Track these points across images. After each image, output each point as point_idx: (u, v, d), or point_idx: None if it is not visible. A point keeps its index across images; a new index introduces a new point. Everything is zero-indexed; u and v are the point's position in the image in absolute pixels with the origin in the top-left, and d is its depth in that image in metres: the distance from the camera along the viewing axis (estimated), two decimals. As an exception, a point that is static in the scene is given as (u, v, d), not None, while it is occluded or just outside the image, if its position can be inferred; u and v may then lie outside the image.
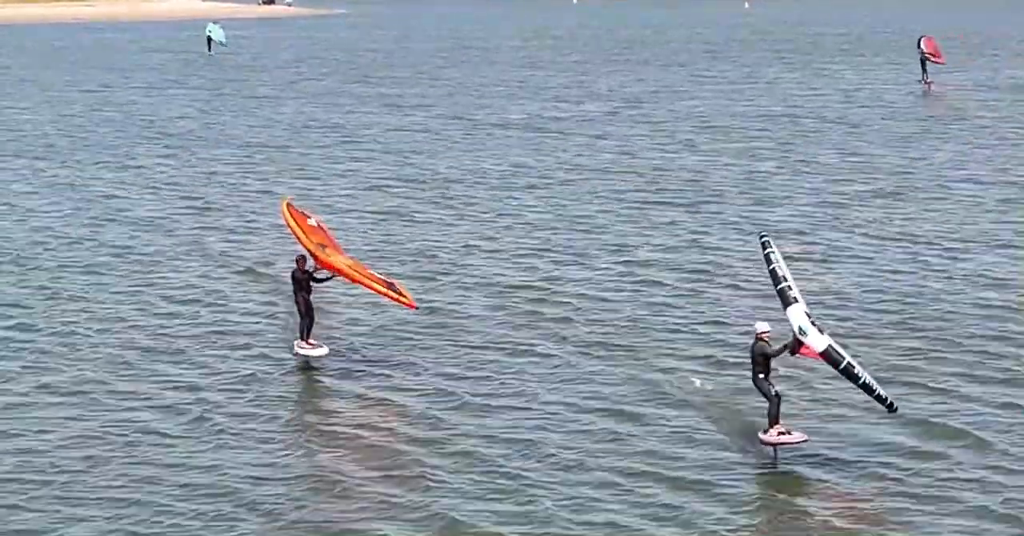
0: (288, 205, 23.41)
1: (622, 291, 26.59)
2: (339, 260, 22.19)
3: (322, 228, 23.35)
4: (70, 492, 17.51)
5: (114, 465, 18.30)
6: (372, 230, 32.38)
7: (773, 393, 18.21)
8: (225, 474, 18.01)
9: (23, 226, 33.14)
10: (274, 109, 55.56)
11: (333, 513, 16.87)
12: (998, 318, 24.20)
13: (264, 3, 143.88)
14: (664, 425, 19.54)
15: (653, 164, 40.84)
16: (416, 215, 34.02)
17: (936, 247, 29.57)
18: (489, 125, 50.35)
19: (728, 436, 19.08)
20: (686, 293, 26.41)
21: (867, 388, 17.88)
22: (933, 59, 59.26)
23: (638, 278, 27.51)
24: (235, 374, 22.16)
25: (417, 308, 23.15)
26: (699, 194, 36.11)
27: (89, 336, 24.16)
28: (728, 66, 71.08)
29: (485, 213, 34.15)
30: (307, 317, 22.40)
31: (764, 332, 18.17)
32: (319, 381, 21.95)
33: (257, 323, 25.13)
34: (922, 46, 59.36)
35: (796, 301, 18.00)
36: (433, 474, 17.90)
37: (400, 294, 22.06)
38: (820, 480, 17.68)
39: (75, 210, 35.05)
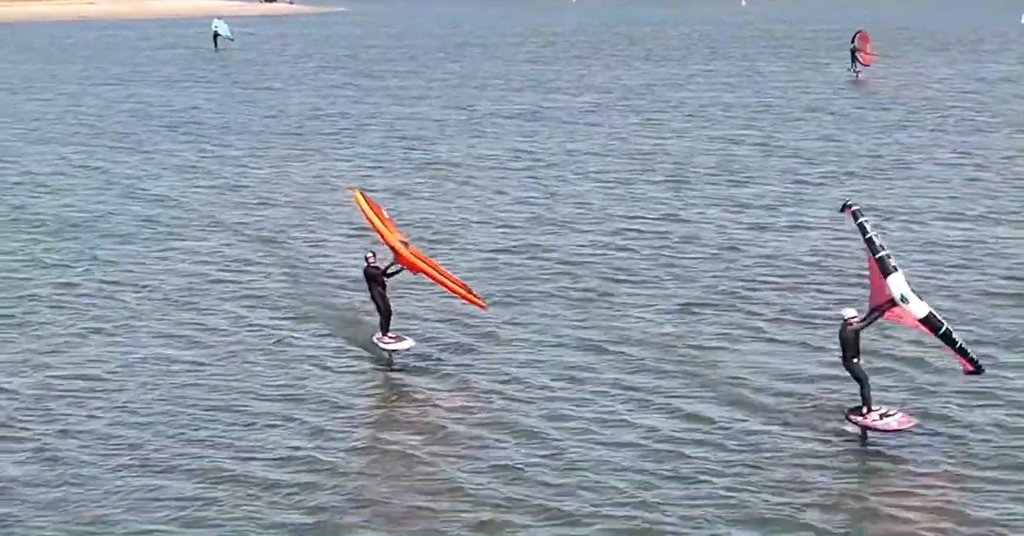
0: (363, 195, 23.01)
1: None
2: (419, 257, 22.37)
3: (393, 221, 23.42)
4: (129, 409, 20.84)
5: (162, 390, 21.54)
6: (399, 208, 35.76)
7: (865, 375, 18.98)
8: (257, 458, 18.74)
9: (56, 202, 36.53)
10: (282, 100, 58.98)
11: (377, 500, 17.34)
12: (945, 275, 27.59)
13: (266, 1, 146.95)
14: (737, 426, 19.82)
15: (641, 149, 44.22)
16: (418, 193, 37.40)
17: (894, 218, 32.93)
18: (488, 115, 53.73)
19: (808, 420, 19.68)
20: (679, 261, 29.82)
21: (962, 351, 18.76)
22: (862, 55, 63.86)
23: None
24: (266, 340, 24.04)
25: (486, 308, 23.43)
26: (681, 173, 39.52)
27: (124, 292, 27.55)
28: (722, 61, 74.37)
29: (485, 192, 37.57)
30: (385, 311, 22.60)
31: (852, 318, 18.86)
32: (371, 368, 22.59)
33: (263, 282, 28.43)
34: (855, 43, 64.14)
35: (896, 269, 18.50)
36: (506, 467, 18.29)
37: (475, 296, 22.65)
38: (920, 462, 18.36)
39: (100, 189, 38.45)
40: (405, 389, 21.62)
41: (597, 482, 17.69)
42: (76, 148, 46.01)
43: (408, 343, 22.66)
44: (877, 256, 18.52)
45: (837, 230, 31.52)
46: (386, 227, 22.47)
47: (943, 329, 18.46)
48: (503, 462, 18.34)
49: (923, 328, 18.67)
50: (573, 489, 17.51)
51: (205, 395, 21.20)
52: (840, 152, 42.82)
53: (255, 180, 39.73)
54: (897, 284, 18.39)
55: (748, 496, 17.21)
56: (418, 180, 39.33)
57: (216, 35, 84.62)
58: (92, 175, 40.84)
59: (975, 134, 45.94)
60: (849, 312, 19.01)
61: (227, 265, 29.64)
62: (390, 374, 22.31)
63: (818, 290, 26.68)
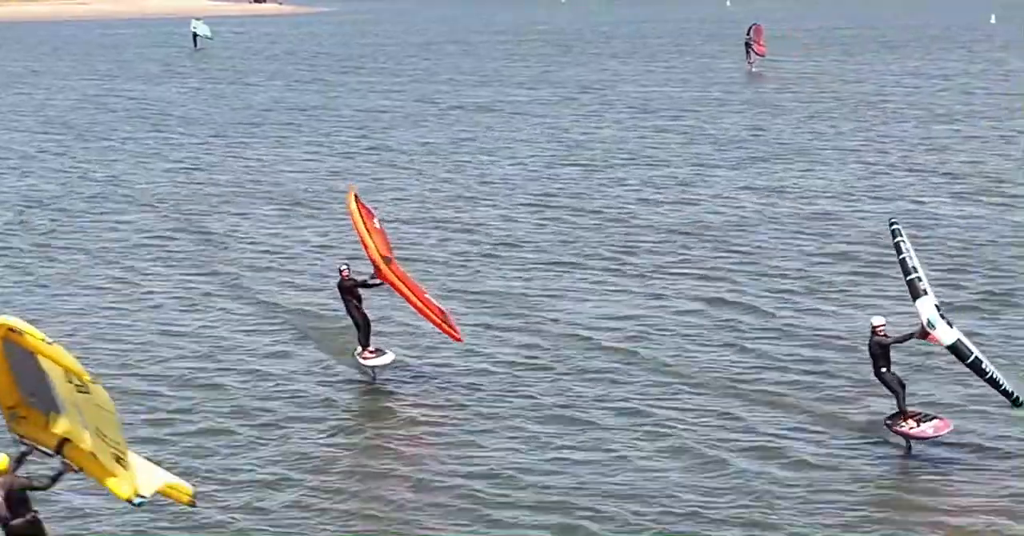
0: (356, 199, 22.59)
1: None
2: (400, 277, 22.10)
3: (383, 231, 23.02)
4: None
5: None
6: (334, 187, 40.06)
7: (900, 384, 18.98)
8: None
9: (17, 183, 40.92)
10: (250, 94, 63.30)
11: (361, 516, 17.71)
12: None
13: (255, 1, 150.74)
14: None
15: (574, 137, 48.35)
16: (352, 175, 41.60)
17: (787, 195, 37.04)
18: (447, 107, 57.88)
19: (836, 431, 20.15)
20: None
21: (994, 383, 18.38)
22: (756, 48, 68.83)
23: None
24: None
25: (463, 342, 22.89)
26: (600, 158, 43.66)
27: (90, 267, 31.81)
28: (684, 58, 78.25)
29: (423, 175, 41.80)
30: (364, 325, 22.41)
31: (880, 326, 18.89)
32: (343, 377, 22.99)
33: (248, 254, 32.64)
34: (749, 36, 69.19)
35: (926, 293, 18.33)
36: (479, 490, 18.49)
37: (451, 327, 22.23)
38: (957, 470, 18.65)
39: (60, 171, 42.81)
40: (389, 405, 21.72)
41: (582, 484, 18.30)
42: (46, 137, 50.39)
43: (389, 357, 22.38)
44: (908, 279, 18.51)
45: (721, 205, 35.75)
46: (372, 238, 22.01)
47: (971, 358, 18.10)
48: (490, 480, 18.53)
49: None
50: (564, 499, 17.97)
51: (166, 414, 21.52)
52: (750, 138, 46.99)
53: (206, 165, 43.89)
54: (926, 309, 18.21)
55: (759, 515, 17.56)
56: (358, 163, 43.55)
57: (195, 35, 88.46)
58: (54, 160, 45.19)
59: (880, 124, 49.81)
60: (878, 320, 19.03)
61: (162, 254, 33.84)
62: (373, 390, 22.38)
63: (694, 257, 30.81)
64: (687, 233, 32.90)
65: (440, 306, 22.64)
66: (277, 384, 22.59)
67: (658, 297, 27.46)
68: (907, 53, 77.52)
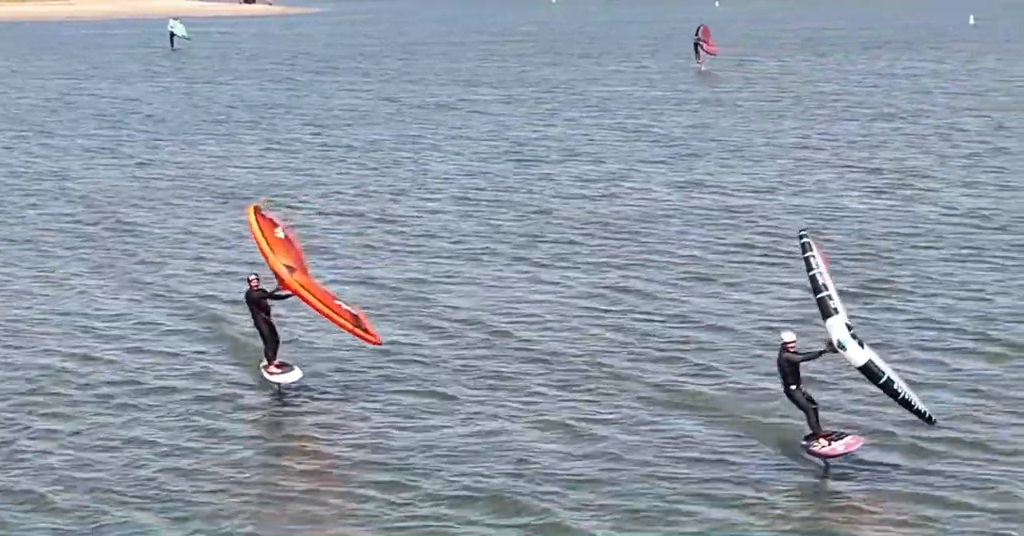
0: (256, 211, 22.28)
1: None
2: (306, 286, 21.64)
3: (289, 239, 22.62)
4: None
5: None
6: (274, 183, 41.61)
7: (808, 402, 18.55)
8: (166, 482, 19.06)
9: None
10: (218, 92, 64.89)
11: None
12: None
13: (245, 2, 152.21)
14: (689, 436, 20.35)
15: (522, 134, 49.82)
16: (308, 171, 43.11)
17: (707, 190, 38.44)
18: (408, 105, 59.38)
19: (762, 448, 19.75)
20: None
21: (906, 404, 18.12)
22: (706, 47, 71.38)
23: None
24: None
25: (381, 344, 22.66)
26: (542, 154, 45.12)
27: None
28: (656, 59, 79.57)
29: (361, 170, 43.30)
30: (271, 338, 22.08)
31: (790, 342, 18.39)
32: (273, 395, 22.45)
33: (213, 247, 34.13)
34: (698, 36, 71.82)
35: (836, 312, 17.92)
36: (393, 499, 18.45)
37: (365, 330, 21.88)
38: (875, 489, 18.30)
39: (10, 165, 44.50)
40: (294, 422, 21.46)
41: (503, 495, 18.27)
42: (4, 133, 52.15)
43: (296, 375, 22.06)
44: (818, 297, 18.09)
45: (642, 199, 37.23)
46: (273, 249, 21.68)
47: (884, 379, 17.81)
48: (397, 499, 18.29)
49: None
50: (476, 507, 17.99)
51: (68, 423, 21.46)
52: (691, 135, 48.45)
53: (155, 161, 45.45)
54: (835, 328, 17.83)
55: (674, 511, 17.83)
56: (303, 160, 45.07)
57: (172, 35, 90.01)
58: (3, 154, 46.91)
59: (825, 122, 51.21)
60: (788, 336, 18.57)
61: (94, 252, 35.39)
62: (278, 406, 22.01)
63: (601, 248, 32.29)
64: (601, 225, 34.36)
65: (352, 311, 22.19)
66: (181, 393, 22.42)
67: (559, 285, 28.86)
68: (879, 54, 78.75)
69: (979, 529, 17.09)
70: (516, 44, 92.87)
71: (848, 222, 33.94)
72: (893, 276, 28.85)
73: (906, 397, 18.03)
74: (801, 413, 18.85)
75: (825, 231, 32.69)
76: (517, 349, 24.59)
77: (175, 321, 26.75)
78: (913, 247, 31.33)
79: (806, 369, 18.96)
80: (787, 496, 18.17)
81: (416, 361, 23.90)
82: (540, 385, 22.66)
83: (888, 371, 18.04)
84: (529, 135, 49.64)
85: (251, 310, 22.11)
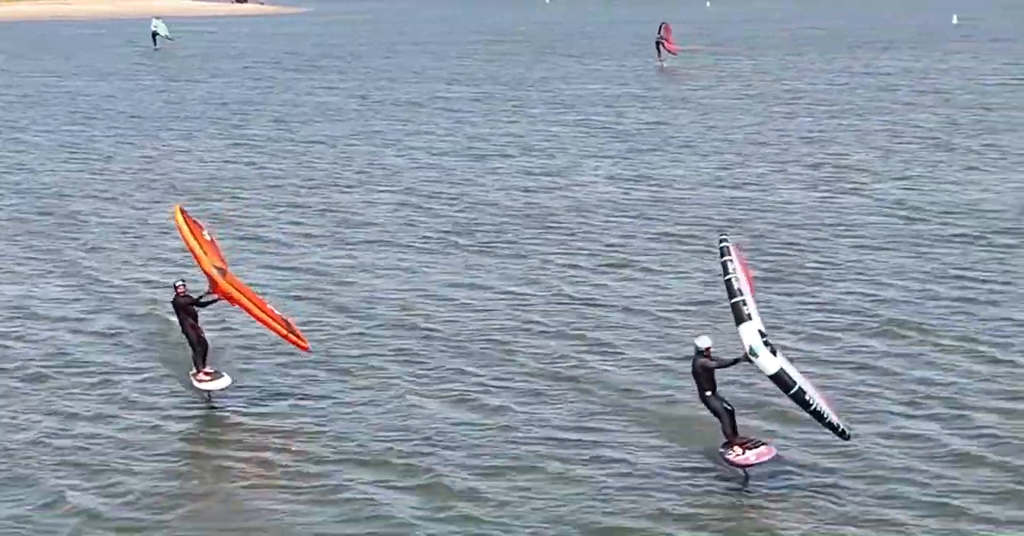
0: (182, 212, 21.95)
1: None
2: (238, 289, 21.48)
3: (214, 242, 22.45)
4: None
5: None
6: (221, 177, 42.86)
7: (724, 409, 18.34)
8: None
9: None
10: (195, 90, 66.25)
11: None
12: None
13: (237, 1, 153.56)
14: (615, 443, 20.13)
15: (480, 131, 51.01)
16: (257, 164, 44.35)
17: (647, 183, 39.59)
18: (380, 102, 60.66)
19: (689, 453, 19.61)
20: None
21: (818, 415, 17.71)
22: (666, 45, 73.66)
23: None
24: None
25: (311, 352, 22.78)
26: (498, 150, 46.30)
27: None
28: (637, 58, 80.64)
29: (309, 164, 44.55)
30: (199, 345, 21.85)
31: (707, 348, 18.22)
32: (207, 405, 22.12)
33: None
34: (660, 34, 74.10)
35: (750, 318, 17.71)
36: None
37: (297, 336, 21.79)
38: (795, 497, 18.05)
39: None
40: (224, 431, 21.14)
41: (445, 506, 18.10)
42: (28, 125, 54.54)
43: (225, 381, 21.73)
44: (732, 301, 17.90)
45: (580, 191, 38.45)
46: (204, 250, 21.37)
47: (795, 389, 17.40)
48: (332, 508, 18.14)
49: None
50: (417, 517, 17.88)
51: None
52: (645, 131, 49.69)
53: (111, 156, 46.74)
54: (748, 335, 17.52)
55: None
56: (255, 154, 46.35)
57: (155, 34, 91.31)
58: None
59: (780, 118, 52.38)
60: (704, 342, 18.34)
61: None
62: (208, 415, 21.81)
63: (527, 238, 33.45)
64: (535, 215, 35.49)
65: (283, 316, 22.20)
66: (106, 402, 22.30)
67: (481, 270, 29.95)
68: (857, 53, 79.83)
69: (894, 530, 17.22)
70: (503, 44, 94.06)
71: (776, 213, 35.04)
72: (806, 263, 29.93)
73: (818, 409, 17.59)
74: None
75: (751, 221, 33.94)
76: (428, 329, 25.57)
77: (111, 314, 27.38)
78: (832, 236, 32.36)
79: (724, 374, 18.87)
80: (678, 484, 18.60)
81: (334, 340, 24.99)
82: (447, 363, 23.70)
83: (800, 381, 17.59)
84: (488, 131, 50.85)
85: (178, 317, 21.95)
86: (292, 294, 28.13)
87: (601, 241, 32.58)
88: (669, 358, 23.49)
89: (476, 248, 32.18)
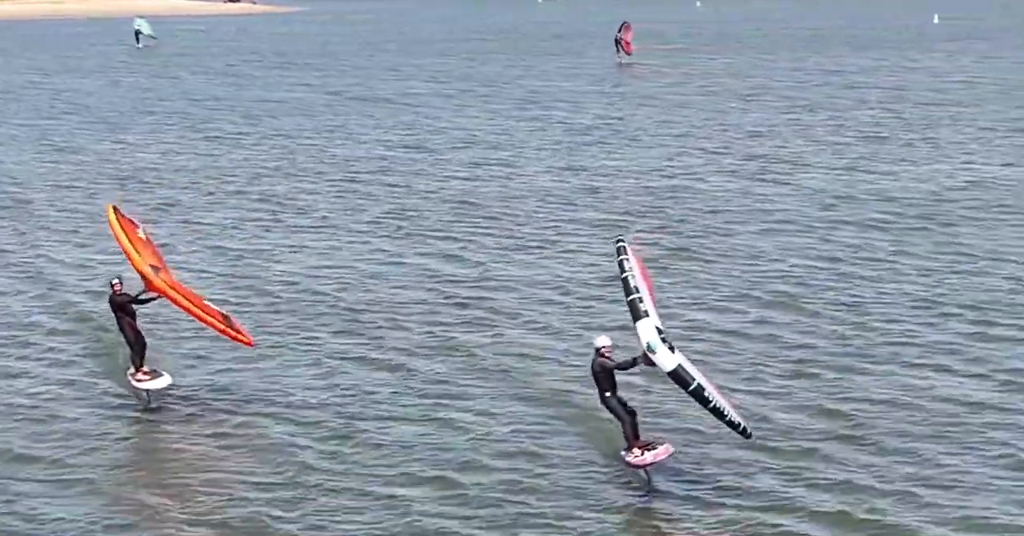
0: (115, 211, 22.22)
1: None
2: (173, 286, 21.63)
3: (149, 241, 22.76)
4: None
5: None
6: (188, 165, 44.96)
7: (624, 411, 18.41)
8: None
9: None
10: (170, 87, 68.35)
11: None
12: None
13: (228, 0, 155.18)
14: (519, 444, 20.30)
15: (436, 124, 53.06)
16: (208, 155, 46.47)
17: (582, 173, 41.56)
18: (348, 97, 62.76)
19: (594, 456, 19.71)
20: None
21: (718, 413, 17.67)
22: (625, 44, 76.91)
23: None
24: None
25: (255, 346, 22.84)
26: (450, 143, 48.30)
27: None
28: (610, 57, 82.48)
29: (261, 155, 46.59)
30: (137, 344, 21.91)
31: (605, 347, 18.25)
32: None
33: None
34: (620, 33, 77.24)
35: (647, 315, 17.79)
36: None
37: (238, 331, 21.81)
38: (698, 498, 18.16)
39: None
40: (162, 432, 21.23)
41: (385, 501, 18.38)
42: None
43: (166, 380, 21.81)
44: (629, 299, 18.06)
45: (516, 181, 40.44)
46: (136, 249, 21.55)
47: (694, 385, 17.43)
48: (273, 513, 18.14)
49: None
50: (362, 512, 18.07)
51: None
52: (599, 125, 51.71)
53: (72, 149, 48.78)
54: (646, 331, 17.60)
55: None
56: (219, 145, 48.39)
57: (138, 33, 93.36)
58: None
59: (733, 113, 54.43)
60: (602, 341, 18.47)
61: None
62: (146, 415, 21.87)
63: (453, 223, 35.42)
64: (464, 203, 37.50)
65: (222, 311, 22.30)
66: (38, 405, 22.35)
67: (397, 254, 31.90)
68: (830, 52, 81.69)
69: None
70: (477, 42, 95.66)
71: (699, 200, 37.08)
72: (713, 245, 31.90)
73: (717, 405, 17.61)
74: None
75: (671, 208, 35.99)
76: (332, 306, 27.57)
77: (49, 309, 27.97)
78: (746, 221, 34.35)
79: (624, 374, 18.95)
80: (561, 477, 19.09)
81: (261, 314, 26.88)
82: (379, 335, 25.56)
83: (699, 378, 17.66)
84: (447, 125, 52.81)
85: (116, 316, 22.07)
86: (223, 276, 30.06)
87: (520, 228, 34.48)
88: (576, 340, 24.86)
89: (397, 233, 34.10)
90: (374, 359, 24.27)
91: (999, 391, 21.82)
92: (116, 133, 52.23)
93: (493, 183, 40.41)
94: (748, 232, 33.25)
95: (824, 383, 22.36)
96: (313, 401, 22.11)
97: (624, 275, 18.44)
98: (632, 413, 18.47)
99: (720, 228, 33.71)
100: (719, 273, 29.46)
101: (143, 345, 22.00)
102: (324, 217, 36.14)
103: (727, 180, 40.06)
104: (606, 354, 18.23)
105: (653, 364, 17.55)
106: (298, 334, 25.78)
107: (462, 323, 26.23)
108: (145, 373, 21.86)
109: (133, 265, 21.44)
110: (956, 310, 26.22)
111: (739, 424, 17.96)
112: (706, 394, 17.51)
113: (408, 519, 17.82)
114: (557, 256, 31.42)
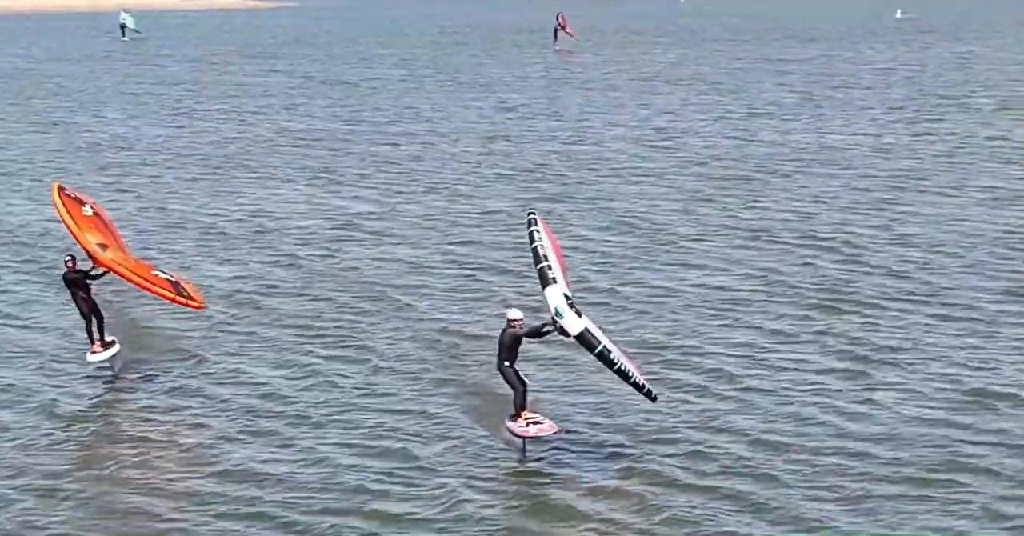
0: (60, 191, 23.47)
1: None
2: (120, 261, 22.84)
3: (99, 215, 23.91)
4: None
5: None
6: (138, 143, 52.91)
7: (518, 380, 19.73)
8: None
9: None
10: (141, 74, 76.36)
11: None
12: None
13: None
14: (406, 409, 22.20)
15: (381, 103, 61.03)
16: (174, 128, 54.53)
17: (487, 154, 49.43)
18: (320, 82, 70.45)
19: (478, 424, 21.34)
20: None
21: (623, 375, 18.73)
22: (565, 31, 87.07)
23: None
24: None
25: (205, 308, 24.39)
26: (385, 117, 56.30)
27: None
28: (587, 49, 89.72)
29: (205, 128, 54.58)
30: (93, 317, 23.31)
31: (516, 320, 19.51)
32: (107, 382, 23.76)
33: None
34: (559, 19, 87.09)
35: (554, 282, 18.94)
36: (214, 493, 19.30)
37: (188, 297, 22.96)
38: (574, 471, 19.49)
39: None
40: (121, 402, 22.67)
41: (338, 482, 19.50)
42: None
43: (115, 349, 23.34)
44: (538, 267, 19.27)
45: (433, 145, 48.29)
46: (80, 227, 22.84)
47: (599, 348, 18.61)
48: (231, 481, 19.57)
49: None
50: (316, 490, 19.26)
51: None
52: (526, 106, 59.46)
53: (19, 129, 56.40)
54: (553, 297, 18.85)
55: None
56: (171, 123, 56.34)
57: (123, 26, 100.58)
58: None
59: (661, 97, 62.12)
60: (515, 314, 19.68)
61: None
62: (107, 385, 23.47)
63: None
64: (386, 161, 45.37)
65: (171, 278, 23.62)
66: None
67: (312, 199, 39.53)
68: (781, 45, 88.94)
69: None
70: (453, 35, 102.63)
71: (591, 164, 44.64)
72: (592, 198, 39.48)
73: (623, 368, 18.69)
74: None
75: (566, 169, 43.68)
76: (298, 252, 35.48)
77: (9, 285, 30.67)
78: (626, 182, 41.73)
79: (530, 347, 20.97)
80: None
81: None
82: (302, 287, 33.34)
83: (605, 341, 18.85)
84: (390, 104, 60.54)
85: (71, 292, 23.39)
86: (163, 233, 37.10)
87: (425, 178, 42.47)
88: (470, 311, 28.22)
89: (315, 182, 42.16)
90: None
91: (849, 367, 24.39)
92: (70, 113, 59.21)
93: (412, 147, 48.20)
94: (626, 191, 40.43)
95: (705, 334, 26.17)
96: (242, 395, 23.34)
97: (534, 245, 19.66)
98: (524, 384, 19.83)
99: (607, 188, 40.78)
100: (595, 220, 37.10)
101: (100, 317, 23.56)
102: (253, 171, 44.17)
103: (623, 147, 47.83)
104: (516, 326, 19.57)
105: (562, 330, 18.91)
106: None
107: (371, 265, 31.78)
108: (103, 344, 23.46)
109: (78, 242, 23.09)
110: (826, 248, 33.57)
111: (643, 386, 19.02)
112: (611, 356, 18.70)
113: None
114: (446, 202, 38.99)
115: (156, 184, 42.76)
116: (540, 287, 19.37)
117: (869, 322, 26.70)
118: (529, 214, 20.86)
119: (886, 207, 37.22)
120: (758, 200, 38.38)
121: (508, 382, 19.87)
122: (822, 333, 26.07)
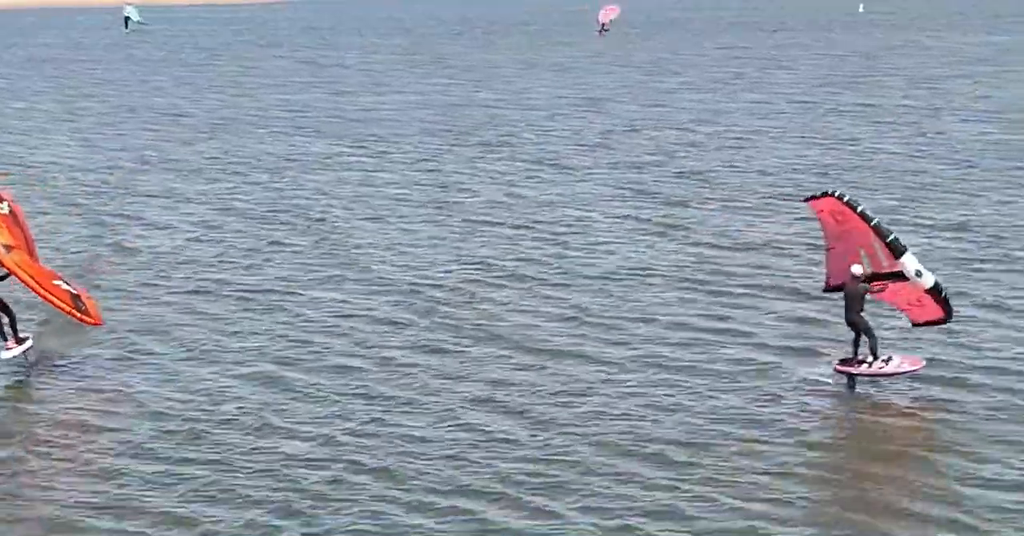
0: None
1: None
2: (22, 265, 23.19)
3: (15, 214, 24.39)
4: None
5: None
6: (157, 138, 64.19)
7: (869, 327, 23.39)
8: None
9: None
10: (123, 61, 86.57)
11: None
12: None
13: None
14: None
15: (365, 82, 72.15)
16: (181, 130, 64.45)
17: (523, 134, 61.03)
18: (315, 65, 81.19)
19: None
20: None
21: (947, 301, 23.50)
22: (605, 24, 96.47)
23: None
24: None
25: (103, 324, 24.72)
26: (356, 91, 67.53)
27: None
28: (571, 40, 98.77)
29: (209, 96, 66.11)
30: (3, 314, 24.18)
31: (859, 275, 23.05)
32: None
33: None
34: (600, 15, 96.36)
35: (907, 249, 22.91)
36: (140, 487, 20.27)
37: (85, 311, 23.53)
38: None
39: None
40: (35, 401, 23.52)
41: (284, 475, 20.62)
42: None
43: (27, 344, 24.27)
44: (888, 239, 22.76)
45: (390, 117, 60.15)
46: None
47: (944, 292, 23.41)
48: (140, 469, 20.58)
49: (923, 301, 23.31)
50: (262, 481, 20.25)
51: None
52: (491, 82, 70.35)
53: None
54: (912, 262, 22.94)
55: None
56: (172, 90, 67.64)
57: (127, 19, 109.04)
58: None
59: (614, 77, 72.28)
60: (858, 269, 23.09)
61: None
62: (29, 379, 24.42)
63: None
64: (342, 126, 56.47)
65: (73, 290, 24.22)
66: None
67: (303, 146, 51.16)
68: (743, 33, 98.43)
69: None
70: (443, 26, 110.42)
71: (530, 125, 55.96)
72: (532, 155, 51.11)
73: (947, 295, 24.00)
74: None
75: (518, 133, 54.19)
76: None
77: None
78: (569, 146, 52.70)
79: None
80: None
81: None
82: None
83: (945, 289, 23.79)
84: (371, 81, 71.62)
85: None
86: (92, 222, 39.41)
87: (374, 133, 53.61)
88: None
89: (313, 132, 53.48)
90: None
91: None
92: (70, 83, 69.82)
93: (369, 116, 58.94)
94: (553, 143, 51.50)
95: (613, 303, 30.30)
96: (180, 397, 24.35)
97: (874, 221, 23.06)
98: (870, 330, 23.68)
99: (549, 148, 50.57)
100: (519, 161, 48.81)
101: (11, 315, 24.48)
102: (220, 124, 55.43)
103: (572, 114, 58.79)
104: (860, 279, 23.20)
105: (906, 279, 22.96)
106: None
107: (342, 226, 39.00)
108: (17, 341, 24.45)
109: None
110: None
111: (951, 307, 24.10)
112: (944, 292, 23.36)
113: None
114: (393, 164, 49.08)
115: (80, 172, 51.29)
116: (894, 256, 22.90)
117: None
118: (833, 193, 23.55)
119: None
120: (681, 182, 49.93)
121: (863, 329, 23.41)
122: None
